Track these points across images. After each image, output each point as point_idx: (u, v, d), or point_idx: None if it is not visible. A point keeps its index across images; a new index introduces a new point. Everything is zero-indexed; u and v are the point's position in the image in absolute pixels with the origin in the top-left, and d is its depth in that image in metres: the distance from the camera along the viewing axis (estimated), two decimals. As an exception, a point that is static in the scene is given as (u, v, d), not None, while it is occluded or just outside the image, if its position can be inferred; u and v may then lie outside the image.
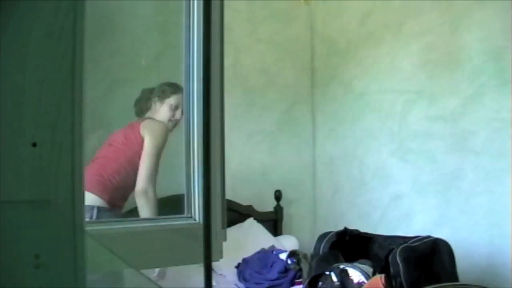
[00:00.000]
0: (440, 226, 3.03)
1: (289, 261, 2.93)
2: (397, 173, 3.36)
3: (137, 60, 3.08)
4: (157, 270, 2.28)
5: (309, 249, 2.93)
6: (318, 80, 4.04)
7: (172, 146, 2.40)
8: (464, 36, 2.92)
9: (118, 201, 2.36)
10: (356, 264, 2.25)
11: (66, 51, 0.58)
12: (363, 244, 2.50)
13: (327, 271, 2.23)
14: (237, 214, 3.42)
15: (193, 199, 0.97)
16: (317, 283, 2.25)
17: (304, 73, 4.06)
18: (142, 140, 2.34)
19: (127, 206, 2.47)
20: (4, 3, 0.56)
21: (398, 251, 2.17)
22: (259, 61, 3.85)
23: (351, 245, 2.49)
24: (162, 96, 2.47)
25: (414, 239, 2.35)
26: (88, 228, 0.65)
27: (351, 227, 2.65)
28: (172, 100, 2.46)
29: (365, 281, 2.13)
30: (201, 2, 0.94)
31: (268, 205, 3.72)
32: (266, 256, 3.02)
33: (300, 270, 2.90)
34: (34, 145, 0.57)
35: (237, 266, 3.03)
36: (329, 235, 2.50)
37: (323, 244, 2.48)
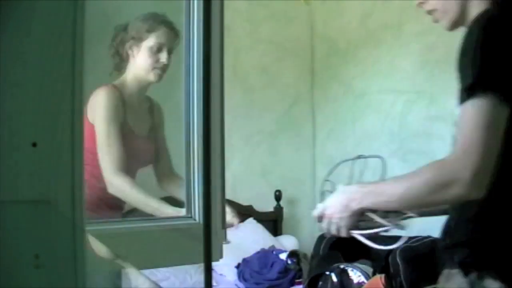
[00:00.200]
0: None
1: (289, 261, 2.93)
2: (397, 173, 3.35)
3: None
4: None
5: (309, 249, 2.93)
6: (318, 80, 4.04)
7: (172, 146, 2.40)
8: (464, 36, 2.92)
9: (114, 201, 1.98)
10: (356, 264, 2.25)
11: (66, 51, 0.58)
12: (363, 244, 2.50)
13: (327, 271, 2.23)
14: (237, 214, 3.42)
15: (193, 199, 0.97)
16: (317, 283, 2.25)
17: (304, 73, 4.06)
18: (92, 126, 1.76)
19: (127, 206, 2.47)
20: (4, 3, 0.56)
21: (398, 251, 2.18)
22: (259, 61, 3.85)
23: (351, 245, 2.48)
24: (137, 38, 1.87)
25: (414, 239, 2.35)
26: (88, 228, 0.65)
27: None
28: (151, 40, 1.86)
29: (365, 281, 2.13)
30: (201, 2, 0.94)
31: (268, 205, 3.72)
32: (266, 256, 3.02)
33: (300, 270, 2.90)
34: (34, 145, 0.57)
35: (237, 266, 3.03)
36: (329, 235, 2.50)
37: (323, 244, 2.48)
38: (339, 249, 2.43)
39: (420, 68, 3.17)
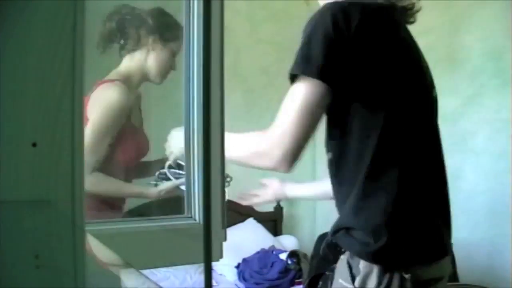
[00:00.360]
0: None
1: (289, 261, 2.93)
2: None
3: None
4: None
5: (309, 249, 2.93)
6: (318, 80, 4.03)
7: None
8: (464, 36, 2.92)
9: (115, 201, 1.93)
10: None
11: (66, 51, 0.58)
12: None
13: (327, 271, 2.23)
14: (237, 214, 3.42)
15: (193, 199, 0.97)
16: (317, 283, 2.24)
17: (304, 73, 4.06)
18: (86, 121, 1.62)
19: (127, 206, 2.46)
20: (4, 3, 0.56)
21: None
22: (259, 61, 3.85)
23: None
24: (165, 35, 1.70)
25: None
26: (88, 228, 0.65)
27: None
28: (177, 46, 1.71)
29: (365, 281, 2.12)
30: (201, 2, 0.94)
31: (268, 205, 3.72)
32: (266, 256, 3.01)
33: (300, 270, 2.90)
34: (34, 145, 0.57)
35: (237, 266, 3.03)
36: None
37: (323, 244, 2.47)
38: (339, 249, 2.42)
39: (420, 68, 3.17)
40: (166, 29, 1.70)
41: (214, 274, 2.86)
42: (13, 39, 0.56)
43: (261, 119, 3.84)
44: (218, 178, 0.94)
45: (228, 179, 1.75)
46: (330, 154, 1.37)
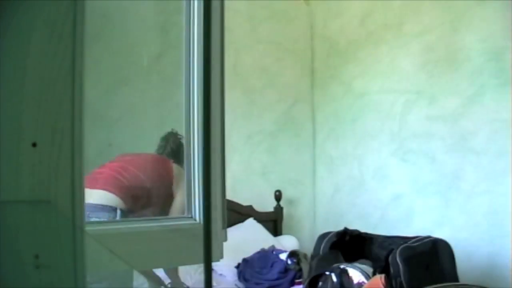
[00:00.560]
0: (440, 226, 3.03)
1: (289, 261, 2.93)
2: (397, 173, 3.36)
3: (137, 60, 3.08)
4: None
5: (309, 249, 2.93)
6: (318, 80, 4.04)
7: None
8: (464, 36, 2.92)
9: (133, 204, 2.33)
10: (356, 264, 2.25)
11: (66, 51, 0.58)
12: (363, 244, 2.50)
13: (327, 271, 2.23)
14: (237, 214, 3.42)
15: (193, 199, 0.97)
16: (317, 283, 2.25)
17: (304, 73, 4.06)
18: (172, 182, 2.30)
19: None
20: (4, 3, 0.56)
21: (398, 251, 2.18)
22: (259, 61, 3.85)
23: (351, 245, 2.49)
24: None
25: (414, 239, 2.35)
26: (88, 228, 0.65)
27: (351, 227, 2.65)
28: None
29: (365, 281, 2.13)
30: (201, 2, 0.94)
31: (268, 205, 3.72)
32: (266, 256, 3.01)
33: (300, 270, 2.90)
34: (34, 145, 0.57)
35: (237, 266, 3.03)
36: (329, 235, 2.50)
37: (323, 244, 2.48)
38: (339, 249, 2.42)
39: (420, 68, 3.17)
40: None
41: (214, 274, 2.86)
42: (13, 39, 0.56)
43: (261, 119, 3.84)
44: (218, 178, 0.94)
45: None
46: None
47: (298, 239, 3.56)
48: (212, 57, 0.88)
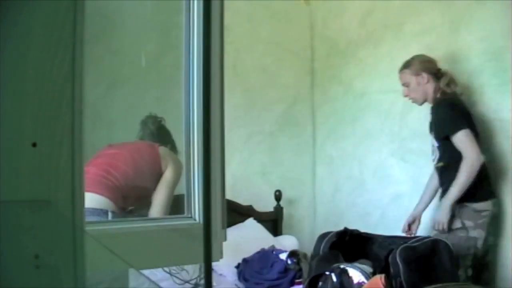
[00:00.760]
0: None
1: (289, 261, 2.92)
2: (397, 173, 3.36)
3: (137, 60, 3.08)
4: None
5: (309, 249, 2.93)
6: (318, 80, 4.04)
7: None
8: (464, 36, 2.92)
9: (123, 203, 2.27)
10: (356, 264, 2.25)
11: (66, 51, 0.58)
12: (363, 244, 2.50)
13: (327, 271, 2.23)
14: (237, 214, 3.42)
15: (193, 199, 0.97)
16: (317, 283, 2.25)
17: (304, 73, 4.06)
18: (160, 164, 2.27)
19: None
20: (4, 3, 0.56)
21: (398, 251, 2.17)
22: (259, 61, 3.85)
23: (351, 245, 2.49)
24: (174, 149, 2.40)
25: (414, 239, 2.35)
26: (88, 228, 0.65)
27: (351, 227, 2.65)
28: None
29: (365, 281, 2.13)
30: (201, 2, 0.94)
31: (268, 205, 3.72)
32: (266, 256, 3.01)
33: (300, 270, 2.89)
34: (34, 145, 0.57)
35: (237, 266, 3.02)
36: (329, 235, 2.50)
37: (323, 244, 2.48)
38: (339, 249, 2.42)
39: (420, 68, 3.17)
40: (174, 145, 2.40)
41: (214, 274, 2.86)
42: (13, 39, 0.56)
43: (261, 119, 3.84)
44: (218, 178, 0.94)
45: None
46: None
47: (298, 239, 3.56)
48: (212, 57, 0.88)
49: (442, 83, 2.69)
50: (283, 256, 2.98)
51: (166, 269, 2.43)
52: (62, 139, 0.58)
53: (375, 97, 3.52)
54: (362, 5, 3.62)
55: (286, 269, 2.91)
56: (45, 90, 0.58)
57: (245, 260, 3.01)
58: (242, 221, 3.46)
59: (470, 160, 2.46)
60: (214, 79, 0.91)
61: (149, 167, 2.27)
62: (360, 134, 3.62)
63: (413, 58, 2.79)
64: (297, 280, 2.87)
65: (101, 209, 2.05)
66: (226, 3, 0.94)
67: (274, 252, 3.05)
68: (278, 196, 3.73)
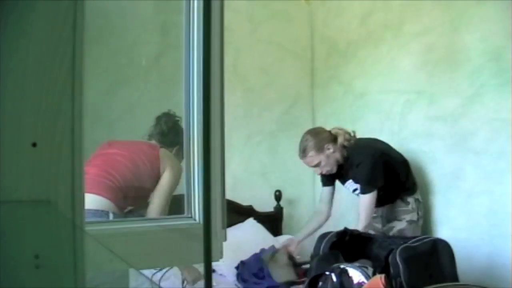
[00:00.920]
0: (440, 226, 3.03)
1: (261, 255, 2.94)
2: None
3: (137, 60, 3.08)
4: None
5: (309, 249, 2.92)
6: (318, 80, 4.04)
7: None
8: (464, 36, 2.92)
9: (123, 204, 2.27)
10: (356, 264, 2.25)
11: (66, 51, 0.58)
12: (363, 244, 2.49)
13: (327, 271, 2.23)
14: (237, 214, 3.42)
15: (193, 199, 0.97)
16: (317, 283, 2.24)
17: (304, 73, 4.06)
18: (159, 166, 2.26)
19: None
20: (4, 3, 0.56)
21: (398, 251, 2.17)
22: (259, 61, 3.85)
23: (351, 245, 2.48)
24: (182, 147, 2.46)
25: (414, 239, 2.34)
26: (88, 228, 0.65)
27: (351, 227, 2.65)
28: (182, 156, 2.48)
29: (365, 281, 2.12)
30: (201, 2, 0.94)
31: (268, 205, 3.72)
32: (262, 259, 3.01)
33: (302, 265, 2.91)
34: (34, 145, 0.57)
35: (237, 267, 3.02)
36: (329, 235, 2.50)
37: (323, 244, 2.47)
38: (339, 249, 2.42)
39: (420, 68, 3.17)
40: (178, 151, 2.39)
41: (214, 275, 2.86)
42: (13, 39, 0.56)
43: (261, 119, 3.84)
44: (218, 178, 0.94)
45: None
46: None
47: (298, 239, 3.56)
48: (212, 57, 0.88)
49: (341, 141, 2.85)
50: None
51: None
52: (62, 139, 0.58)
53: (375, 97, 3.52)
54: (362, 5, 3.62)
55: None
56: (45, 90, 0.58)
57: (242, 262, 3.01)
58: (242, 221, 3.46)
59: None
60: (214, 79, 0.91)
61: (148, 169, 2.25)
62: (360, 134, 3.62)
63: (306, 140, 2.89)
64: (298, 280, 2.86)
65: (102, 211, 2.04)
66: (226, 3, 0.94)
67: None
68: (278, 196, 3.73)
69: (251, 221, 3.49)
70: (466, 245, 2.80)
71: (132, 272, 0.54)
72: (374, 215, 2.96)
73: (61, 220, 0.59)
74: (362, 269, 2.18)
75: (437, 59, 3.07)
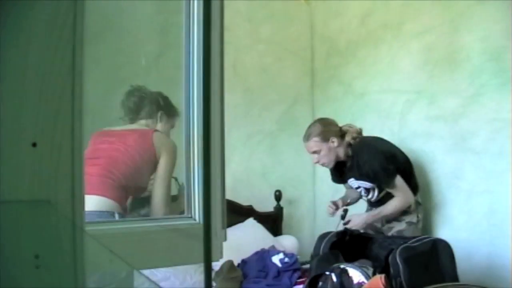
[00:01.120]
0: (440, 226, 3.03)
1: (280, 264, 2.92)
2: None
3: (137, 60, 3.08)
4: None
5: (309, 249, 2.93)
6: (318, 80, 4.04)
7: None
8: (464, 36, 2.92)
9: (126, 202, 2.23)
10: (356, 264, 2.25)
11: (66, 51, 0.58)
12: (363, 244, 2.49)
13: (327, 271, 2.23)
14: (237, 214, 3.42)
15: (193, 199, 0.97)
16: (317, 283, 2.24)
17: (304, 73, 4.06)
18: (155, 153, 2.21)
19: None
20: (4, 3, 0.56)
21: (398, 251, 2.18)
22: (259, 61, 3.85)
23: (351, 245, 2.48)
24: (169, 113, 2.35)
25: (414, 239, 2.35)
26: (88, 228, 0.65)
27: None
28: (174, 120, 2.35)
29: (365, 281, 2.12)
30: (201, 2, 0.94)
31: (268, 205, 3.72)
32: (262, 258, 3.01)
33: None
34: (34, 145, 0.57)
35: (237, 267, 3.02)
36: (329, 235, 2.50)
37: (323, 244, 2.48)
38: (339, 249, 2.42)
39: (420, 68, 3.17)
40: (170, 108, 2.35)
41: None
42: (13, 39, 0.56)
43: (261, 119, 3.84)
44: (218, 178, 0.94)
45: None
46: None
47: (298, 239, 3.56)
48: (212, 57, 0.88)
49: (348, 139, 2.85)
50: (275, 259, 2.97)
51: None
52: (62, 139, 0.58)
53: (375, 97, 3.52)
54: (362, 5, 3.62)
55: (279, 273, 2.91)
56: (45, 90, 0.58)
57: (243, 261, 3.01)
58: (242, 221, 3.46)
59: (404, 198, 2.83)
60: (214, 79, 0.91)
61: (145, 160, 2.21)
62: (360, 134, 3.62)
63: (315, 126, 2.88)
64: (297, 280, 2.87)
65: (107, 212, 2.00)
66: (226, 3, 0.94)
67: (270, 253, 3.04)
68: (278, 196, 3.73)
69: (251, 221, 3.49)
70: (466, 245, 2.80)
71: (132, 272, 0.54)
72: None
73: (61, 220, 0.59)
74: (362, 269, 2.18)
75: (437, 59, 3.07)
